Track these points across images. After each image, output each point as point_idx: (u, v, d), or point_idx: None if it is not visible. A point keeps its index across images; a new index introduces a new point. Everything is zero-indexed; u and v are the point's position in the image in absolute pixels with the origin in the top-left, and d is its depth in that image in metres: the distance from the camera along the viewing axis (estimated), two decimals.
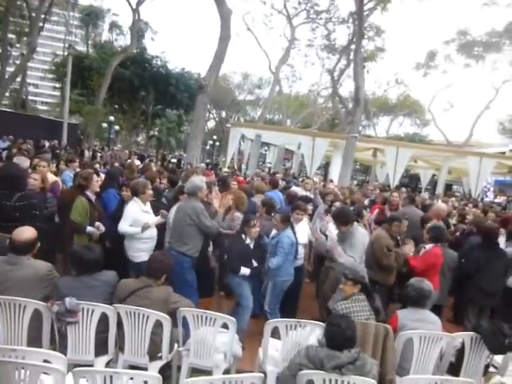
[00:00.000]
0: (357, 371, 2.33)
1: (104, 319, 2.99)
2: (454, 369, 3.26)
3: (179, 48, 73.78)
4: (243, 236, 4.25)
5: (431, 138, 39.56)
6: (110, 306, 3.01)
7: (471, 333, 3.22)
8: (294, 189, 7.32)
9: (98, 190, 4.68)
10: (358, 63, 14.65)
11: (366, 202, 7.56)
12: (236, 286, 4.18)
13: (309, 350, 2.43)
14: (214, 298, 4.96)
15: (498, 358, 3.37)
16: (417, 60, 30.77)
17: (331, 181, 12.75)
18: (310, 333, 3.10)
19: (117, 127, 30.38)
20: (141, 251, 4.28)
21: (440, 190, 18.73)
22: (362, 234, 4.44)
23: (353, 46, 18.12)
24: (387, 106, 37.73)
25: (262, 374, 2.31)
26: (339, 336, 2.43)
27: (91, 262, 3.11)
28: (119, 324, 3.03)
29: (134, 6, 23.83)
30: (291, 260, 4.35)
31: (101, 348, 3.03)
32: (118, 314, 3.01)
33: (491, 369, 3.36)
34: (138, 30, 26.16)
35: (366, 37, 19.79)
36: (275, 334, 3.19)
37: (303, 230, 4.89)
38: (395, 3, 16.51)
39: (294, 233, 4.42)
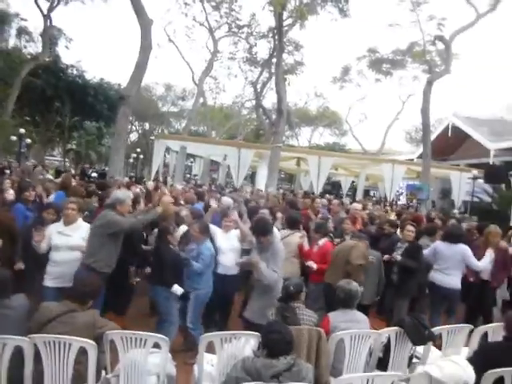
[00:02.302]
0: (293, 378, 2.33)
1: (19, 352, 2.68)
2: (382, 363, 3.43)
3: (97, 57, 70.52)
4: (171, 246, 4.11)
5: (349, 146, 42.20)
6: (25, 337, 2.71)
7: (396, 328, 3.41)
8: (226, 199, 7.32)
9: None
10: (279, 76, 15.16)
11: None
12: (163, 300, 4.00)
13: (245, 362, 2.39)
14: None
15: (420, 349, 3.62)
16: (333, 74, 32.79)
17: (260, 190, 12.94)
18: (245, 344, 3.06)
19: (28, 140, 28.02)
20: (46, 274, 4.01)
21: (359, 195, 19.98)
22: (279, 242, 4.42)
23: (274, 60, 18.75)
24: (308, 117, 39.47)
25: None
26: (281, 342, 2.43)
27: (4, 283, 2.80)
28: (37, 356, 2.74)
29: (46, 12, 22.35)
30: (210, 272, 4.31)
31: None
32: (35, 346, 2.72)
33: (414, 360, 3.59)
34: (51, 36, 24.49)
35: (286, 51, 20.58)
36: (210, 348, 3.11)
37: (233, 238, 4.78)
38: (312, 21, 17.39)
39: (214, 244, 4.42)
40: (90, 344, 2.75)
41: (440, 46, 17.42)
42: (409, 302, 5.28)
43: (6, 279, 2.87)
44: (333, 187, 25.13)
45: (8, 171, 14.79)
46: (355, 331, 3.26)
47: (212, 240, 4.54)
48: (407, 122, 55.11)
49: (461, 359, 2.72)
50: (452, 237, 5.30)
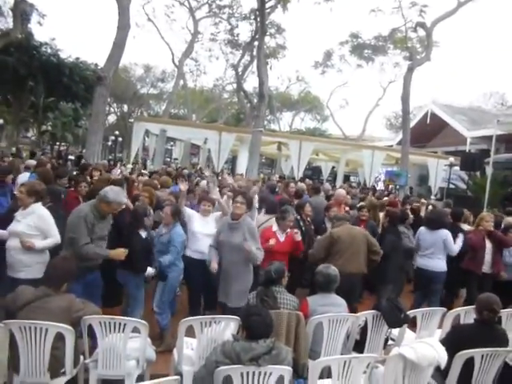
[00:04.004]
0: (273, 360, 2.36)
1: None
2: (359, 345, 3.52)
3: (73, 36, 68.01)
4: (140, 232, 4.03)
5: (330, 132, 42.37)
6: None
7: (373, 311, 3.50)
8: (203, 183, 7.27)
9: None
10: (261, 59, 14.96)
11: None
12: (134, 287, 3.96)
13: (224, 346, 2.40)
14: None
15: (395, 332, 3.72)
16: (315, 59, 32.65)
17: (241, 175, 12.89)
18: (225, 328, 3.08)
19: (0, 121, 27.06)
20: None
21: (340, 180, 20.18)
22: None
23: (256, 43, 18.48)
24: (290, 101, 39.33)
25: (177, 377, 2.23)
26: (261, 324, 2.45)
27: None
28: (12, 341, 2.69)
29: None
30: (179, 258, 4.26)
31: None
32: (10, 331, 2.66)
33: (390, 342, 3.70)
34: (22, 12, 23.39)
35: (267, 34, 20.31)
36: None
37: (211, 222, 4.69)
38: (294, 3, 17.15)
39: (184, 226, 4.42)
40: (66, 329, 2.72)
41: (421, 32, 17.50)
42: (391, 286, 5.35)
43: None
44: (313, 172, 25.27)
45: None
46: (333, 315, 3.31)
47: (183, 224, 4.48)
48: (388, 109, 55.60)
49: (434, 341, 2.80)
50: (433, 223, 5.43)
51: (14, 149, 23.06)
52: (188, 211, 4.71)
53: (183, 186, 4.72)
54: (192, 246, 4.54)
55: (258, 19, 15.88)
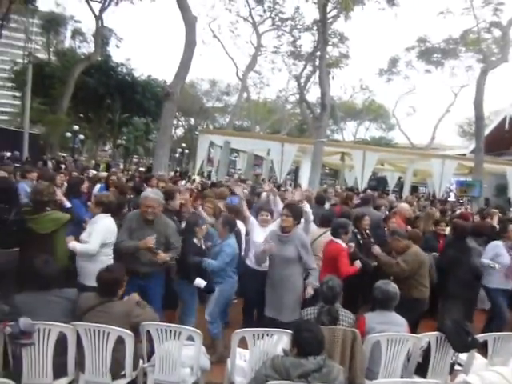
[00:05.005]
0: (323, 379, 2.29)
1: (63, 338, 2.84)
2: (422, 369, 3.30)
3: (145, 55, 73.05)
4: (194, 240, 4.09)
5: (396, 141, 40.78)
6: (68, 324, 2.86)
7: (436, 333, 3.26)
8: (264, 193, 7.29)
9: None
10: (323, 69, 14.87)
11: (327, 206, 7.42)
12: (187, 294, 4.04)
13: (274, 360, 2.38)
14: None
15: (463, 356, 3.44)
16: (380, 66, 31.76)
17: (299, 186, 12.81)
18: (278, 341, 3.05)
19: (82, 136, 29.58)
20: None
21: (406, 191, 19.24)
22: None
23: (318, 53, 18.42)
24: (353, 110, 38.58)
25: None
26: (312, 340, 2.40)
27: (48, 275, 2.96)
28: (79, 342, 2.89)
29: (97, 13, 23.34)
30: (235, 270, 4.20)
31: (60, 369, 2.88)
32: (77, 333, 2.87)
33: (457, 367, 3.42)
34: (102, 37, 25.57)
35: (330, 43, 20.17)
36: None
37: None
38: (358, 11, 16.90)
39: (240, 240, 4.37)
40: (127, 333, 2.86)
41: (496, 32, 16.33)
42: (460, 305, 4.95)
43: (55, 272, 3.04)
44: (378, 183, 24.35)
45: (63, 166, 15.72)
46: (392, 334, 3.14)
47: (237, 235, 4.43)
48: (459, 115, 52.36)
49: (506, 370, 2.54)
50: None
51: (93, 161, 25.01)
52: (251, 220, 4.76)
53: (239, 190, 4.75)
54: (251, 255, 4.57)
55: (320, 30, 15.82)
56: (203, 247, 4.16)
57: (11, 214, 3.69)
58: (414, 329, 4.05)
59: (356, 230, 5.02)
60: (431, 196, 18.18)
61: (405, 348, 3.17)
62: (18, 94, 31.49)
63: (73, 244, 3.78)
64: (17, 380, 2.63)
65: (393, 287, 3.39)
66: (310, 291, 3.84)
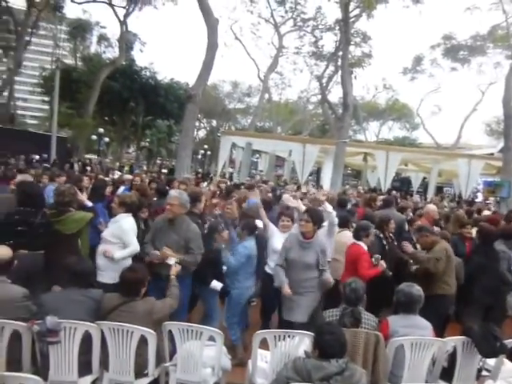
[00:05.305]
0: (345, 382, 2.26)
1: (88, 337, 2.91)
2: (447, 374, 3.21)
3: (168, 58, 74.07)
4: (214, 244, 4.09)
5: (421, 141, 39.94)
6: (93, 323, 2.92)
7: (462, 337, 3.17)
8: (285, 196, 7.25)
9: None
10: (346, 69, 14.73)
11: (349, 206, 7.32)
12: (209, 296, 4.06)
13: (296, 362, 2.37)
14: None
15: (491, 361, 3.33)
16: (404, 65, 31.22)
17: (321, 187, 12.72)
18: (299, 343, 3.03)
19: (107, 139, 30.25)
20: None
21: (431, 192, 18.81)
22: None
23: (340, 53, 18.27)
24: (376, 110, 38.04)
25: None
26: (334, 343, 2.38)
27: (83, 273, 3.06)
28: (103, 341, 2.95)
29: (122, 18, 23.88)
30: (250, 273, 4.16)
31: (85, 367, 2.94)
32: (102, 331, 2.93)
33: (484, 372, 3.31)
34: (126, 41, 26.11)
35: (352, 43, 19.96)
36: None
37: None
38: (381, 10, 16.68)
39: (260, 243, 4.31)
40: (150, 333, 2.91)
41: None
42: (483, 312, 4.79)
43: (84, 271, 3.13)
44: (402, 183, 23.92)
45: (89, 168, 16.14)
46: (416, 338, 3.08)
47: (257, 238, 4.34)
48: (487, 113, 50.81)
49: None
50: None
51: (117, 163, 25.55)
52: (271, 226, 4.63)
53: (256, 196, 4.73)
54: (271, 262, 4.40)
55: (343, 29, 15.68)
56: (220, 251, 4.14)
57: (37, 217, 3.77)
58: (440, 332, 3.96)
59: (381, 235, 4.84)
60: (457, 197, 17.73)
61: (429, 352, 3.10)
62: (46, 98, 32.49)
63: (112, 254, 3.83)
64: (44, 377, 2.71)
65: (416, 290, 3.32)
66: (329, 279, 3.88)
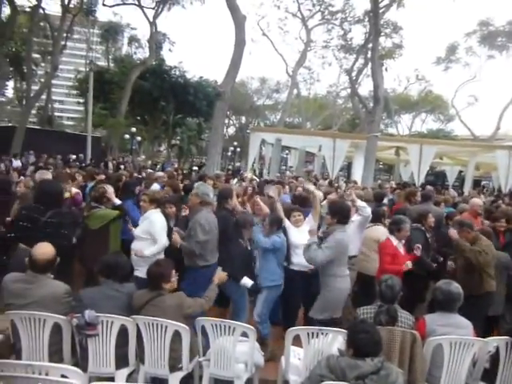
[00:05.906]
0: (381, 381, 2.20)
1: (124, 331, 2.98)
2: (489, 376, 3.08)
3: (196, 57, 74.93)
4: (241, 241, 4.09)
5: (456, 133, 38.54)
6: (129, 317, 2.99)
7: (506, 337, 3.03)
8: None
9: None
10: (376, 61, 14.40)
11: (385, 200, 7.15)
12: (236, 293, 4.05)
13: (329, 360, 2.32)
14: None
15: None
16: (437, 54, 30.14)
17: (355, 182, 12.46)
18: (333, 341, 2.99)
19: (139, 138, 30.92)
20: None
21: (468, 186, 18.12)
22: None
23: (370, 45, 17.86)
24: (409, 103, 37.01)
25: None
26: (369, 342, 2.32)
27: (117, 266, 3.15)
28: (139, 335, 3.02)
29: (151, 19, 24.29)
30: (280, 264, 4.14)
31: (122, 360, 3.02)
32: (137, 326, 2.99)
33: None
34: (156, 41, 26.57)
35: (382, 34, 19.49)
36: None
37: (305, 232, 4.26)
38: None
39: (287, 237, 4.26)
40: (183, 328, 2.94)
41: None
42: None
43: (116, 264, 3.19)
44: (437, 177, 23.17)
45: (123, 166, 16.55)
46: (456, 337, 2.96)
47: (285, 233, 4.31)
48: None
49: None
50: None
51: (149, 162, 26.08)
52: (286, 223, 4.52)
53: (273, 192, 4.72)
54: (295, 258, 4.34)
55: (372, 21, 15.32)
56: (249, 248, 4.18)
57: (45, 215, 3.72)
58: (483, 333, 3.78)
59: (423, 228, 4.73)
60: (496, 190, 17.00)
61: (470, 352, 2.98)
62: (81, 100, 33.56)
63: (141, 253, 3.91)
64: (83, 368, 2.80)
65: (455, 287, 3.19)
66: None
